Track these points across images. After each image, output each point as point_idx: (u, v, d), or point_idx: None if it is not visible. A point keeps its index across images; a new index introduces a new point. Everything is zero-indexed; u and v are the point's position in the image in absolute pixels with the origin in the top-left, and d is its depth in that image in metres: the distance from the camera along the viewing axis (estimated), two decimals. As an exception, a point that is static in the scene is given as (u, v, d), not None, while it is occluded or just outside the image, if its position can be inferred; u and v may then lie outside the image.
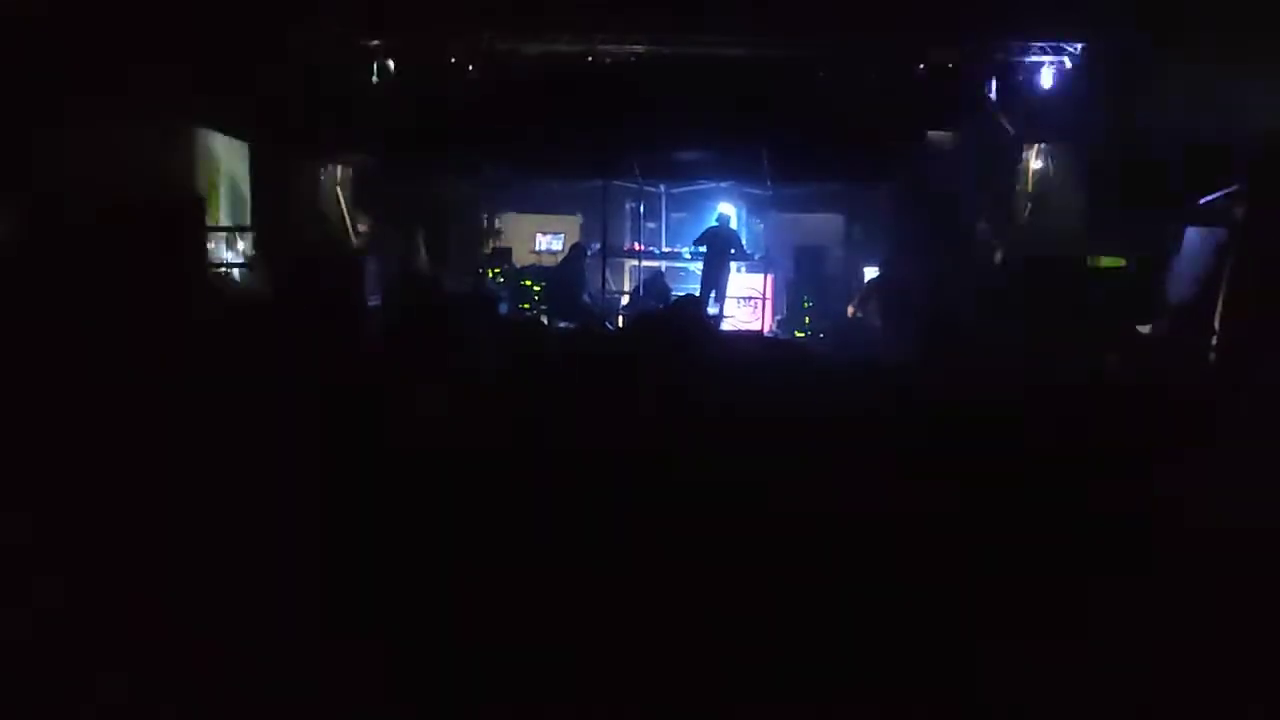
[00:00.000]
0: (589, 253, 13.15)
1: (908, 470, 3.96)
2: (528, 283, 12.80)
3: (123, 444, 3.32)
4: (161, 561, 2.81)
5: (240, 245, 10.15)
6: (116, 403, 3.55)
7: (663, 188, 14.05)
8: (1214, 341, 7.04)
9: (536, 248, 14.44)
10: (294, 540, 3.02)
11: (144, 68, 7.34)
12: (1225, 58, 8.22)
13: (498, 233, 14.11)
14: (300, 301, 7.27)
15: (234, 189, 10.16)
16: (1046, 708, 2.56)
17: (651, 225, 14.31)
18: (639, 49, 11.11)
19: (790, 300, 12.91)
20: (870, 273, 12.55)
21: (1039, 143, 11.11)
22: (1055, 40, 10.77)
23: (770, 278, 13.18)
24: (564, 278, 12.75)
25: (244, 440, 3.63)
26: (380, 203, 11.89)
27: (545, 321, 11.58)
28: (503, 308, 11.78)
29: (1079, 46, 10.70)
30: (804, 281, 12.81)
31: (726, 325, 12.04)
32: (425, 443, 4.13)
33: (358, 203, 11.59)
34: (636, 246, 13.82)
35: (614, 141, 11.69)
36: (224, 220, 9.88)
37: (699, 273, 12.61)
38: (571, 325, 11.43)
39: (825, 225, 13.79)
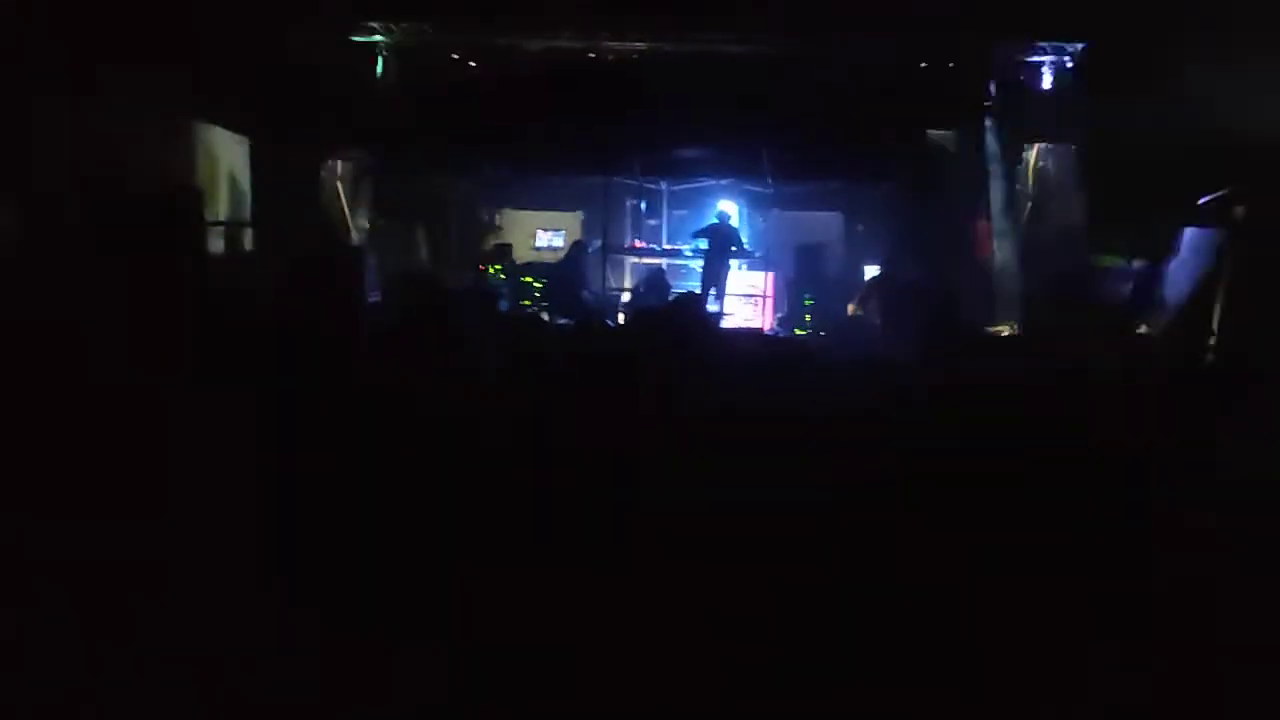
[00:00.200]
0: (590, 250, 13.16)
1: (908, 469, 3.96)
2: (528, 280, 12.81)
3: (121, 441, 3.32)
4: (161, 561, 2.81)
5: (240, 241, 10.15)
6: (114, 400, 3.55)
7: (664, 185, 14.05)
8: (1213, 341, 7.05)
9: (537, 244, 14.44)
10: (294, 539, 3.02)
11: (142, 62, 7.33)
12: (1226, 57, 8.22)
13: (498, 229, 14.11)
14: (300, 298, 7.26)
15: (233, 185, 10.16)
16: (1047, 708, 2.57)
17: (652, 222, 14.32)
18: (640, 46, 11.11)
19: (791, 298, 12.92)
20: (871, 271, 12.56)
21: (1039, 142, 11.10)
22: (1056, 39, 10.76)
23: (771, 275, 13.19)
24: (565, 275, 12.76)
25: (243, 437, 3.63)
26: (381, 199, 11.89)
27: (546, 318, 11.59)
28: (503, 304, 11.79)
29: (1079, 46, 10.70)
30: (805, 279, 12.82)
31: (727, 323, 12.04)
32: (425, 440, 4.13)
33: (358, 199, 11.58)
34: (637, 244, 13.83)
35: (615, 138, 11.68)
36: (223, 216, 9.88)
37: (700, 270, 12.62)
38: (572, 322, 11.43)
39: (826, 223, 13.80)
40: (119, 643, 2.49)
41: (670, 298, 11.91)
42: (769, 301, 13.11)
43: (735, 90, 10.98)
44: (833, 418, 4.78)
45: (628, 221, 14.24)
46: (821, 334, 11.87)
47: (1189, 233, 8.12)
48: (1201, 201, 7.96)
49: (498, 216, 14.31)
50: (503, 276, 12.80)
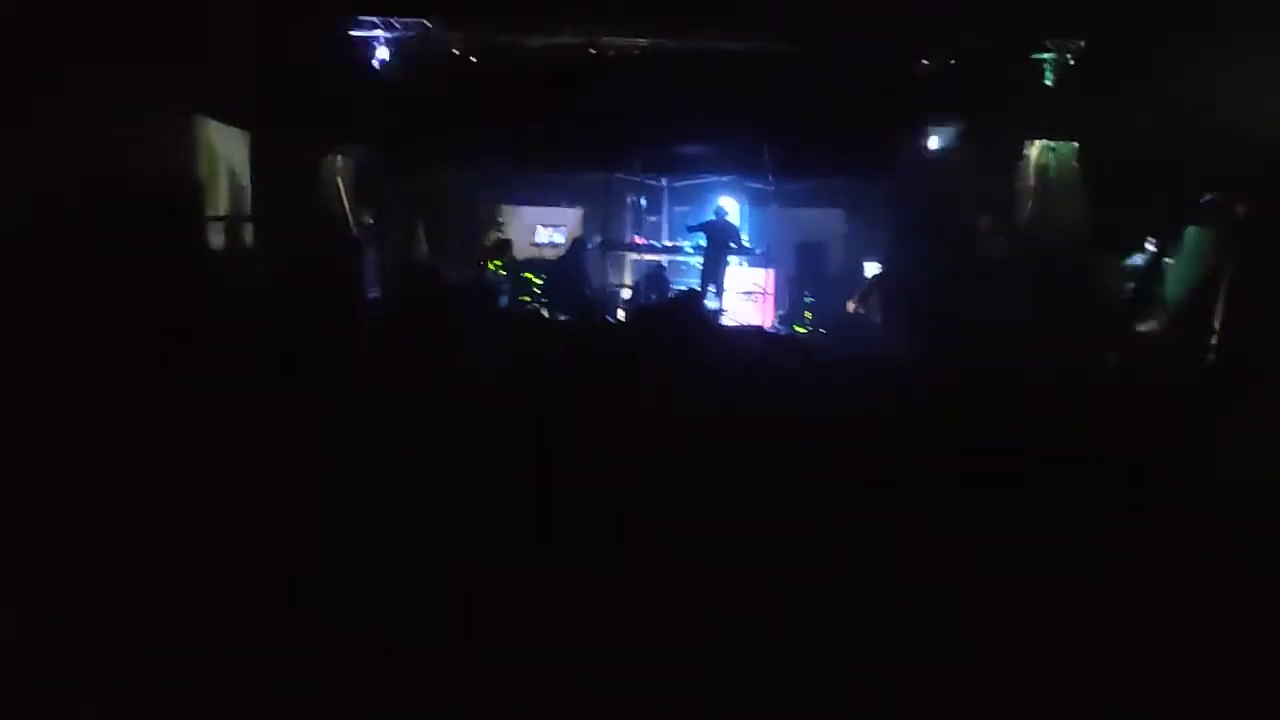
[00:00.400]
0: (590, 246, 13.16)
1: (908, 466, 3.96)
2: (529, 275, 12.80)
3: (120, 439, 3.32)
4: (161, 560, 2.81)
5: (240, 237, 10.13)
6: (114, 398, 3.55)
7: (664, 181, 14.03)
8: (1214, 341, 7.03)
9: (538, 240, 14.43)
10: (293, 538, 3.02)
11: (141, 56, 7.31)
12: (1227, 55, 8.20)
13: (499, 225, 14.10)
14: (300, 294, 7.26)
15: (233, 181, 10.15)
16: (1047, 708, 2.57)
17: (653, 219, 14.31)
18: (641, 42, 11.08)
19: (792, 295, 12.91)
20: (872, 268, 12.55)
21: (1040, 139, 11.09)
22: (1057, 36, 10.74)
23: (772, 273, 13.18)
24: (565, 271, 12.75)
25: (243, 434, 3.63)
26: (381, 194, 11.87)
27: (546, 315, 11.59)
28: (503, 301, 11.79)
29: (1080, 43, 10.68)
30: (805, 277, 12.81)
31: (728, 320, 12.04)
32: (425, 434, 4.13)
33: (359, 194, 11.56)
34: (638, 240, 13.81)
35: (616, 135, 11.67)
36: (223, 212, 9.86)
37: (699, 267, 12.62)
38: (572, 319, 11.44)
39: (827, 220, 13.79)
40: (119, 643, 2.49)
41: (670, 295, 11.93)
42: (770, 299, 13.10)
43: (736, 87, 10.96)
44: (833, 415, 4.79)
45: (628, 218, 14.23)
46: (822, 331, 11.87)
47: (1190, 232, 8.11)
48: (1203, 200, 7.95)
49: (498, 212, 14.29)
50: (503, 273, 12.79)
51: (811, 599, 2.97)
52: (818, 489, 3.75)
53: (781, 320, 12.81)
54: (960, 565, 3.19)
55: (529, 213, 14.53)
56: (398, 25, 10.97)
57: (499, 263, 12.92)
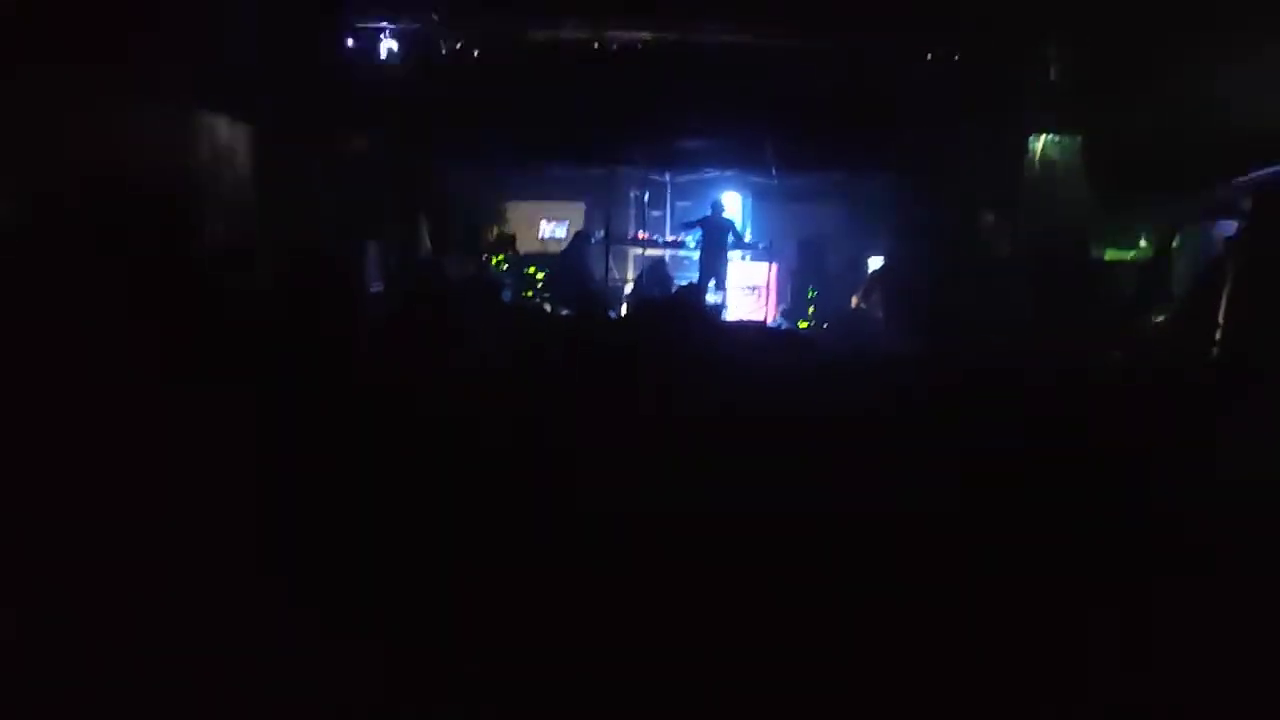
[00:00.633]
0: (592, 240, 13.16)
1: (909, 464, 3.95)
2: (531, 270, 12.81)
3: (120, 439, 3.32)
4: (160, 559, 2.81)
5: (240, 233, 10.12)
6: (113, 397, 3.55)
7: (667, 176, 14.04)
8: (1216, 339, 7.02)
9: (540, 235, 14.44)
10: (293, 537, 3.02)
11: (142, 47, 7.31)
12: (1230, 52, 8.18)
13: (502, 219, 14.10)
14: (301, 289, 7.26)
15: (234, 176, 10.13)
16: (1047, 708, 2.57)
17: (656, 213, 14.32)
18: (645, 36, 11.07)
19: (794, 290, 12.92)
20: (875, 263, 12.55)
21: (1044, 134, 11.07)
22: (1058, 32, 10.71)
23: (774, 267, 13.18)
24: (567, 265, 12.76)
25: (242, 432, 3.63)
26: (383, 189, 11.87)
27: (548, 309, 11.59)
28: (506, 295, 11.79)
29: (1082, 39, 10.65)
30: (808, 272, 12.82)
31: (730, 315, 12.05)
32: (426, 431, 4.13)
33: (360, 189, 11.56)
34: (641, 235, 13.82)
35: (619, 129, 11.67)
36: (223, 208, 9.85)
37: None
38: (574, 313, 11.43)
39: (830, 215, 13.79)
40: (119, 643, 2.50)
41: (672, 289, 11.94)
42: (772, 294, 13.11)
43: (739, 81, 10.95)
44: (834, 412, 4.78)
45: (631, 212, 14.24)
46: (824, 326, 11.88)
47: (1192, 229, 8.09)
48: (1203, 200, 7.93)
49: (501, 206, 14.29)
50: (505, 267, 12.80)
51: (812, 598, 2.97)
52: (819, 486, 3.75)
53: (784, 315, 12.81)
54: (962, 563, 3.19)
55: (532, 207, 14.54)
56: (400, 19, 10.96)
57: (501, 257, 12.92)
